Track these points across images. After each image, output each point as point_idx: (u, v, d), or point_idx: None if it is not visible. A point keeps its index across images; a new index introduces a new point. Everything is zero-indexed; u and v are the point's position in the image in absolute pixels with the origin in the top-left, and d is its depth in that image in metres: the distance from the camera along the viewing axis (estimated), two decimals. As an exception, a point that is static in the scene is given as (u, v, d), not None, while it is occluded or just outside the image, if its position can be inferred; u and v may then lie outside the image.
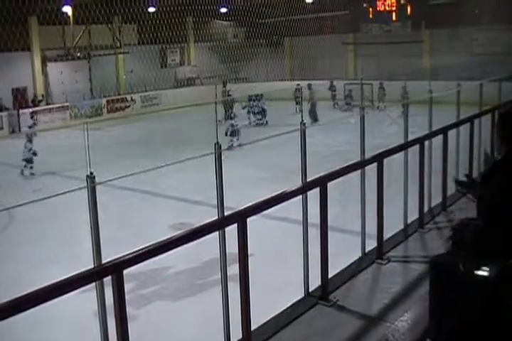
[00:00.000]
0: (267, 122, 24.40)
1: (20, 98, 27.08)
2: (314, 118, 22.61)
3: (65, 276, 3.74)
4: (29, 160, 17.15)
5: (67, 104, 27.16)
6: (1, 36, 25.51)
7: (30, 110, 25.87)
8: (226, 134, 18.60)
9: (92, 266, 4.17)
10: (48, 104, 27.37)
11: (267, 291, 6.60)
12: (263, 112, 24.77)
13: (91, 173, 5.72)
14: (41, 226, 11.49)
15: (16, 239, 11.01)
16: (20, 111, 25.34)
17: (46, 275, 6.87)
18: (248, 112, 24.64)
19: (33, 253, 9.97)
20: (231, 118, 20.48)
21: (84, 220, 5.96)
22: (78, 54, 28.22)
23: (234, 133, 19.35)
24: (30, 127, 23.38)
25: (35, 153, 17.19)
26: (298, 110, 24.75)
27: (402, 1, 28.71)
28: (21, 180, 16.15)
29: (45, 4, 25.42)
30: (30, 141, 18.01)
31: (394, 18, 28.90)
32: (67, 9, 25.33)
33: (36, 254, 9.87)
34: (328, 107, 25.74)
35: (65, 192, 8.46)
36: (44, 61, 28.10)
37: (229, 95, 26.43)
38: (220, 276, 4.94)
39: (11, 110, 25.47)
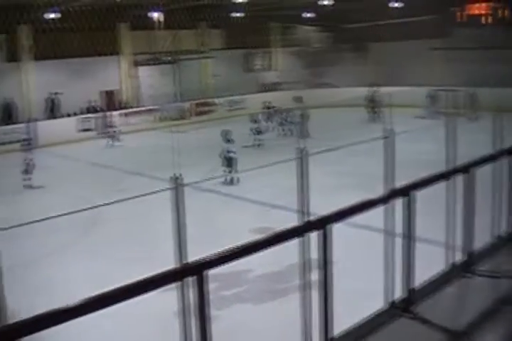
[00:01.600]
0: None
1: (109, 100, 28.16)
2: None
3: (148, 275, 3.79)
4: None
5: (154, 106, 27.92)
6: (92, 41, 26.70)
7: (119, 112, 26.85)
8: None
9: (173, 266, 4.20)
10: (136, 106, 28.28)
11: (348, 299, 6.46)
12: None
13: (178, 175, 5.84)
14: (126, 225, 11.82)
15: (103, 236, 11.35)
16: (109, 113, 26.28)
17: (129, 273, 7.07)
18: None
19: (119, 250, 10.26)
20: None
21: (168, 220, 6.07)
22: (166, 58, 28.98)
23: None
24: (114, 130, 23.86)
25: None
26: (371, 117, 24.31)
27: (494, 4, 27.68)
28: (106, 180, 16.64)
29: (134, 10, 26.42)
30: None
31: (486, 21, 27.88)
32: (156, 15, 26.11)
33: (121, 252, 10.15)
34: (415, 114, 24.85)
35: (151, 193, 8.68)
36: (133, 65, 29.06)
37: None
38: (300, 282, 4.88)
39: (100, 112, 26.50)
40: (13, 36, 25.30)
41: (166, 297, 5.06)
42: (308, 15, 31.53)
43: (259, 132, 20.10)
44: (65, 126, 24.59)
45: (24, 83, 26.06)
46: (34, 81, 26.07)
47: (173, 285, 4.17)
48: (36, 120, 24.92)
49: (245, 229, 10.36)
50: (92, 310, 3.51)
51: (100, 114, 26.03)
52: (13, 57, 25.44)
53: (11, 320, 4.76)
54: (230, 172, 14.81)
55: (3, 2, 22.79)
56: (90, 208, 10.26)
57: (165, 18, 26.56)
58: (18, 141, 23.54)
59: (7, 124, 24.45)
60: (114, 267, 9.27)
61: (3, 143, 22.82)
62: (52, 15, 24.53)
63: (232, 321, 6.88)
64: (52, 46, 25.84)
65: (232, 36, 31.49)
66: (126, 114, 26.96)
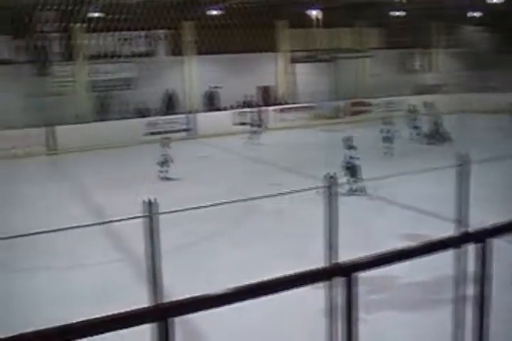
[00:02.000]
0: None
1: (265, 96, 28.86)
2: None
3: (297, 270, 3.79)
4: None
5: (309, 104, 28.13)
6: (252, 38, 27.47)
7: (274, 108, 27.41)
8: None
9: (322, 265, 4.18)
10: (291, 103, 28.67)
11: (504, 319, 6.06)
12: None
13: (332, 174, 5.85)
14: (277, 219, 12.00)
15: (253, 228, 11.61)
16: (264, 108, 26.97)
17: (276, 266, 7.20)
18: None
19: (268, 244, 10.42)
20: None
21: (318, 219, 6.09)
22: (323, 56, 29.06)
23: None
24: (258, 125, 23.86)
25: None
26: None
27: None
28: (259, 173, 17.01)
29: (293, 8, 26.79)
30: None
31: None
32: (315, 13, 26.22)
33: (270, 245, 10.30)
34: None
35: (305, 190, 8.77)
36: (290, 62, 29.50)
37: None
38: (453, 295, 4.66)
39: (256, 107, 27.21)
40: (178, 32, 26.80)
41: (312, 294, 5.09)
42: (475, 14, 29.96)
43: (387, 139, 18.69)
44: (221, 118, 25.62)
45: (186, 76, 27.54)
46: (195, 74, 27.44)
47: (321, 284, 4.15)
48: (196, 112, 26.23)
49: (394, 235, 10.10)
50: (239, 300, 3.60)
51: (256, 109, 26.78)
52: (177, 51, 26.94)
53: (167, 299, 5.05)
54: (354, 181, 13.59)
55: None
56: (243, 200, 10.56)
57: (323, 16, 26.61)
58: (177, 131, 25.03)
59: (169, 114, 25.96)
60: (261, 259, 9.44)
61: (166, 132, 24.30)
62: (214, 12, 25.67)
63: (377, 327, 6.74)
64: (214, 42, 27.01)
65: (391, 35, 30.77)
66: (281, 110, 27.49)
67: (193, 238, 10.93)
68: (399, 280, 8.27)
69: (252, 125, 22.84)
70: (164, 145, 16.69)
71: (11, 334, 1.74)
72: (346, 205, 12.10)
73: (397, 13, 28.95)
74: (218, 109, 27.21)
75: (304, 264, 3.89)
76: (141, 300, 6.90)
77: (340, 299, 3.97)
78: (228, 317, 5.95)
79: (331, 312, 4.20)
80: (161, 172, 16.38)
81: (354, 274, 3.94)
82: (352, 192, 13.51)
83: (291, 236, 10.81)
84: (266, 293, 3.74)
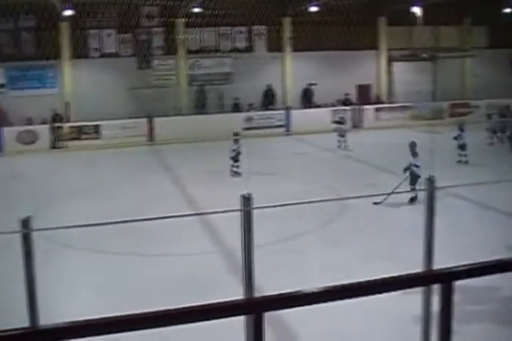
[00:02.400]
0: None
1: (363, 94, 28.46)
2: None
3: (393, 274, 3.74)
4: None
5: (408, 104, 27.44)
6: (351, 35, 27.18)
7: (371, 107, 27.00)
8: None
9: (420, 270, 4.11)
10: (389, 102, 28.16)
11: None
12: None
13: (430, 177, 5.72)
14: (371, 219, 11.83)
15: (346, 227, 11.43)
16: (363, 107, 26.64)
17: (370, 268, 7.13)
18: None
19: (362, 244, 10.28)
20: None
21: (415, 222, 5.97)
22: (423, 55, 28.24)
23: None
24: (339, 122, 22.59)
25: None
26: None
27: None
28: (354, 172, 16.83)
29: (394, 5, 26.22)
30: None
31: None
32: (416, 10, 25.49)
33: (360, 246, 10.16)
34: None
35: (400, 192, 8.53)
36: (388, 60, 28.93)
37: None
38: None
39: (354, 105, 26.91)
40: (277, 28, 26.94)
41: (407, 300, 4.98)
42: None
43: (461, 146, 17.56)
44: (317, 116, 25.47)
45: (283, 72, 27.64)
46: (293, 71, 27.48)
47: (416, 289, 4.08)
48: (291, 108, 26.30)
49: (500, 245, 9.62)
50: (333, 299, 3.59)
51: (353, 107, 26.50)
52: (275, 47, 27.09)
53: (258, 293, 5.14)
54: (412, 189, 12.58)
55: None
56: (339, 199, 10.49)
57: (424, 13, 25.81)
58: (273, 127, 25.23)
59: (267, 110, 26.17)
60: (354, 260, 9.36)
61: (262, 128, 24.62)
62: (313, 9, 25.57)
63: (470, 339, 6.50)
64: (312, 38, 26.96)
65: (497, 34, 29.33)
66: (377, 109, 27.04)
67: (284, 234, 10.95)
68: (498, 292, 7.92)
69: (341, 123, 22.18)
70: (236, 142, 16.86)
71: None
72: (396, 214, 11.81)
73: (508, 10, 27.47)
74: (315, 106, 27.11)
75: (401, 267, 3.85)
76: (234, 292, 7.07)
77: (435, 307, 3.89)
78: (319, 316, 5.96)
79: (427, 319, 4.11)
80: (234, 166, 16.59)
81: (452, 282, 3.85)
82: (410, 200, 12.73)
83: (385, 237, 10.64)
84: (360, 295, 3.71)
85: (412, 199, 12.68)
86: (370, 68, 28.87)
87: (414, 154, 13.24)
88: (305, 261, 9.54)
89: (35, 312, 5.09)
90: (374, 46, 28.68)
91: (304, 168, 17.73)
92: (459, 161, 17.41)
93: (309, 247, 10.31)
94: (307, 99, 27.57)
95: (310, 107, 26.95)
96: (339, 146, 20.58)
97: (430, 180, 5.59)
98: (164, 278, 8.93)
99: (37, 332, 2.28)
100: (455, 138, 17.52)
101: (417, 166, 12.88)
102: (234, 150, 16.65)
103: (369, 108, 26.85)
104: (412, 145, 13.44)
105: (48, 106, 23.42)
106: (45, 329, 2.43)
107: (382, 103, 28.04)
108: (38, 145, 22.60)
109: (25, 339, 2.08)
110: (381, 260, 8.89)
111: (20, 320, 4.07)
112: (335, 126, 22.23)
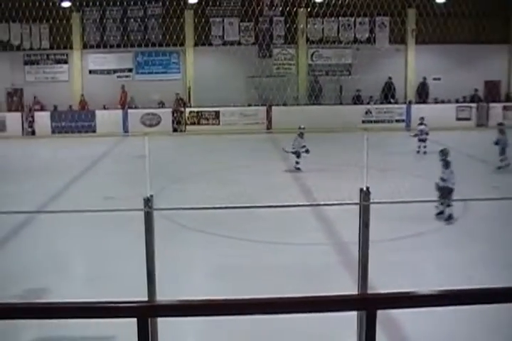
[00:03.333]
0: None
1: (492, 91, 26.91)
2: None
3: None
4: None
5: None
6: (478, 28, 25.66)
7: (500, 105, 25.56)
8: None
9: None
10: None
11: None
12: None
13: None
14: (488, 226, 11.12)
15: (467, 229, 10.87)
16: (490, 104, 25.31)
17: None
18: None
19: (477, 247, 9.72)
20: None
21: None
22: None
23: None
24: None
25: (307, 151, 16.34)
26: None
27: None
28: (478, 173, 15.98)
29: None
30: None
31: None
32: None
33: (478, 249, 9.62)
34: None
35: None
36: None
37: None
38: None
39: (482, 102, 25.60)
40: (401, 19, 25.98)
41: None
42: None
43: (502, 150, 16.17)
44: (440, 111, 24.32)
45: (405, 65, 26.75)
46: (415, 64, 26.54)
47: None
48: (412, 102, 25.45)
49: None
50: (452, 304, 3.30)
51: (479, 104, 25.24)
52: (398, 39, 26.16)
53: (371, 290, 4.91)
54: (441, 203, 11.15)
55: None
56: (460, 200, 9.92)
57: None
58: (393, 121, 24.56)
59: (387, 103, 25.48)
60: (470, 262, 8.98)
61: (380, 121, 24.02)
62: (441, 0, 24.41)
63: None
64: (437, 31, 25.74)
65: None
66: (506, 108, 25.47)
67: (403, 232, 10.57)
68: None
69: (422, 141, 20.66)
70: (298, 137, 16.75)
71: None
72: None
73: None
74: (436, 102, 26.03)
75: None
76: (345, 286, 6.87)
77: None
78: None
79: None
80: (297, 163, 16.49)
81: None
82: (438, 215, 11.35)
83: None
84: (478, 303, 3.39)
85: (443, 214, 11.21)
86: (500, 63, 27.20)
87: (446, 164, 11.40)
88: (422, 261, 9.20)
89: (153, 288, 5.18)
90: (506, 40, 27.01)
91: (425, 166, 17.00)
92: (499, 167, 16.25)
93: (428, 247, 9.89)
94: (425, 93, 26.48)
95: (425, 102, 25.90)
96: (418, 152, 19.44)
97: None
98: (275, 265, 8.89)
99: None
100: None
101: (444, 180, 11.14)
102: (303, 146, 16.44)
103: (496, 106, 25.38)
104: (443, 154, 11.71)
105: (170, 90, 24.32)
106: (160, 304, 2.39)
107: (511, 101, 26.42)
108: (160, 127, 23.54)
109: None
110: (502, 268, 8.31)
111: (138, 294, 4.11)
112: (462, 122, 21.01)
